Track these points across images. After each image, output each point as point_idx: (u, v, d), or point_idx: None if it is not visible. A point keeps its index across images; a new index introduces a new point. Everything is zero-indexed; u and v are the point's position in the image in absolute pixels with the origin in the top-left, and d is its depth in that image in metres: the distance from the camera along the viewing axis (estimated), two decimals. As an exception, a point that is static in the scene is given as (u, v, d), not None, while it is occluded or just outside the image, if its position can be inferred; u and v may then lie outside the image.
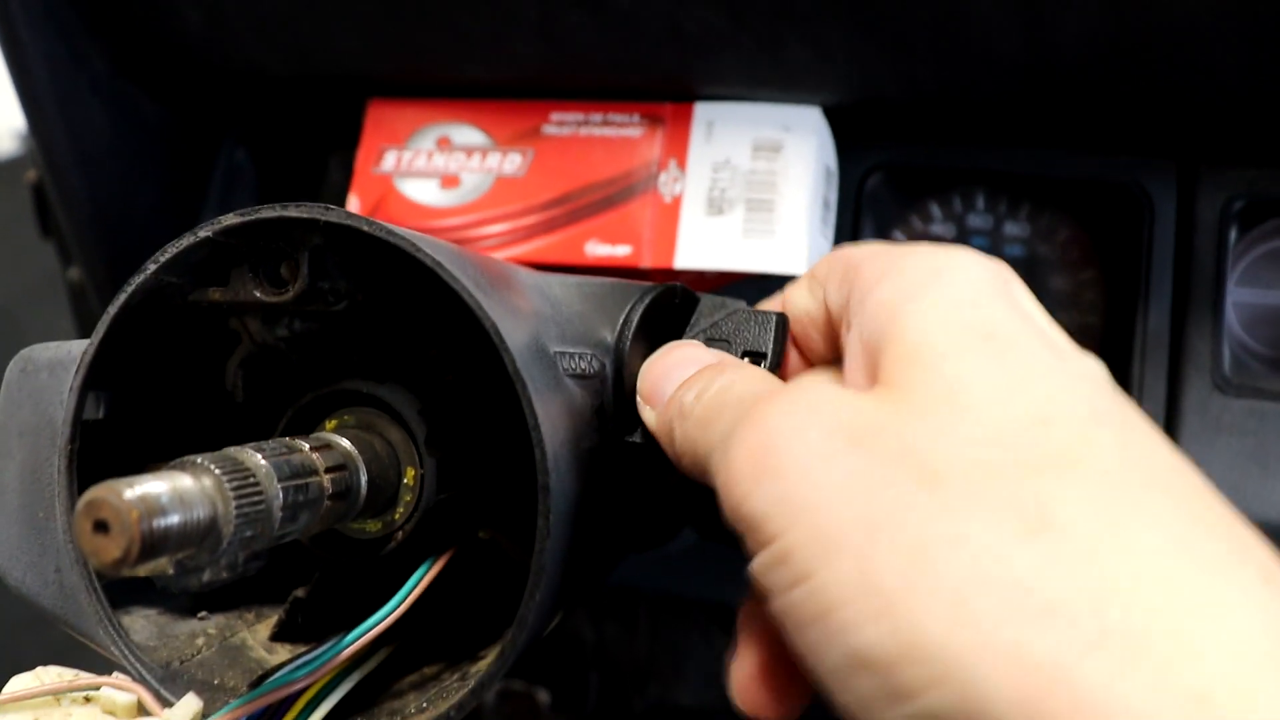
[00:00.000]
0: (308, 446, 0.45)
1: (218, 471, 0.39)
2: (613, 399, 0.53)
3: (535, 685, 1.22)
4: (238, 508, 0.39)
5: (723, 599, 0.49)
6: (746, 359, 0.53)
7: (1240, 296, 0.82)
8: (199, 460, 0.39)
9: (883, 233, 0.90)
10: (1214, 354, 0.80)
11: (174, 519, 0.36)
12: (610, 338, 0.55)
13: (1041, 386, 0.38)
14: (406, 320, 0.54)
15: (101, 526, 0.34)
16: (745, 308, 0.55)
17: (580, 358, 0.51)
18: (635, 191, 0.82)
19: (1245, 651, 0.31)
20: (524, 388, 0.44)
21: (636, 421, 0.53)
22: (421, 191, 0.86)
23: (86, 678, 0.47)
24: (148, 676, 0.48)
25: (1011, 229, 0.88)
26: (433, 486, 0.51)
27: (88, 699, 0.47)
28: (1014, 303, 0.42)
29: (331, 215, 0.46)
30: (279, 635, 0.54)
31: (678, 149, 0.82)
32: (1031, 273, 0.88)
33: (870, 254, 0.47)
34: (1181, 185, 0.82)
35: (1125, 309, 0.83)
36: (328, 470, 0.45)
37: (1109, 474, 0.35)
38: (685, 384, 0.48)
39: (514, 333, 0.45)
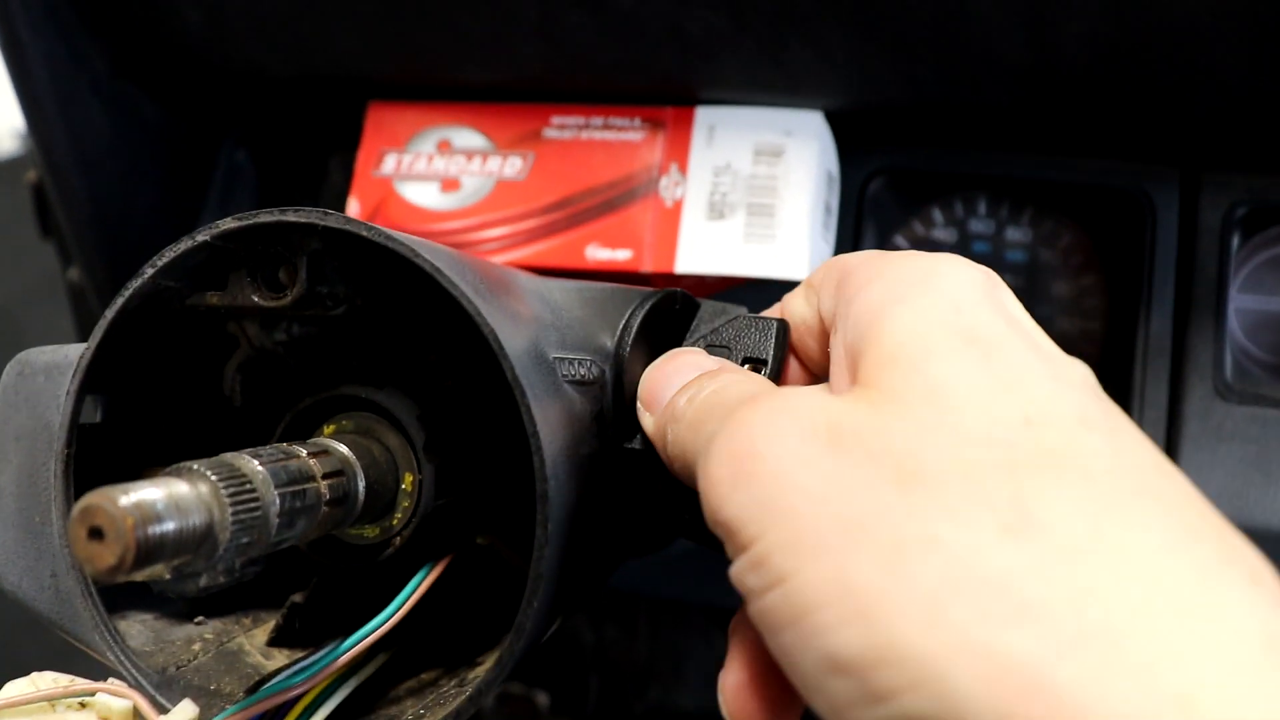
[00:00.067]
0: (305, 452, 0.45)
1: (214, 478, 0.39)
2: (612, 405, 0.53)
3: (535, 688, 1.22)
4: (234, 514, 0.39)
5: (722, 602, 0.49)
6: (747, 365, 0.52)
7: (1242, 303, 0.82)
8: (195, 466, 0.39)
9: (884, 238, 0.90)
10: (1216, 360, 0.80)
11: (169, 526, 0.36)
12: (610, 344, 0.55)
13: (1027, 389, 0.38)
14: (405, 325, 0.54)
15: (96, 533, 0.34)
16: (746, 314, 0.55)
17: (580, 364, 0.51)
18: (636, 196, 0.81)
19: (1230, 653, 0.31)
20: (523, 395, 0.43)
21: (636, 428, 0.52)
22: (421, 195, 0.86)
23: (82, 683, 0.47)
24: (144, 682, 0.48)
25: (1013, 234, 0.88)
26: (431, 492, 0.51)
27: (83, 705, 0.47)
28: (1001, 308, 0.42)
29: (330, 220, 0.45)
30: (276, 640, 0.54)
31: (679, 153, 0.81)
32: (1033, 278, 0.87)
33: (861, 260, 0.47)
34: (1184, 191, 0.82)
35: (1127, 315, 0.83)
36: (325, 476, 0.45)
37: (1095, 476, 0.35)
38: (682, 389, 0.48)
39: (513, 339, 0.45)
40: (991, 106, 0.79)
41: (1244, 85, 0.72)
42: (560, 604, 0.49)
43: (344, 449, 0.48)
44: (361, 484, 0.48)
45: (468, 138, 0.86)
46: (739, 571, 0.38)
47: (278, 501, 0.41)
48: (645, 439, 0.51)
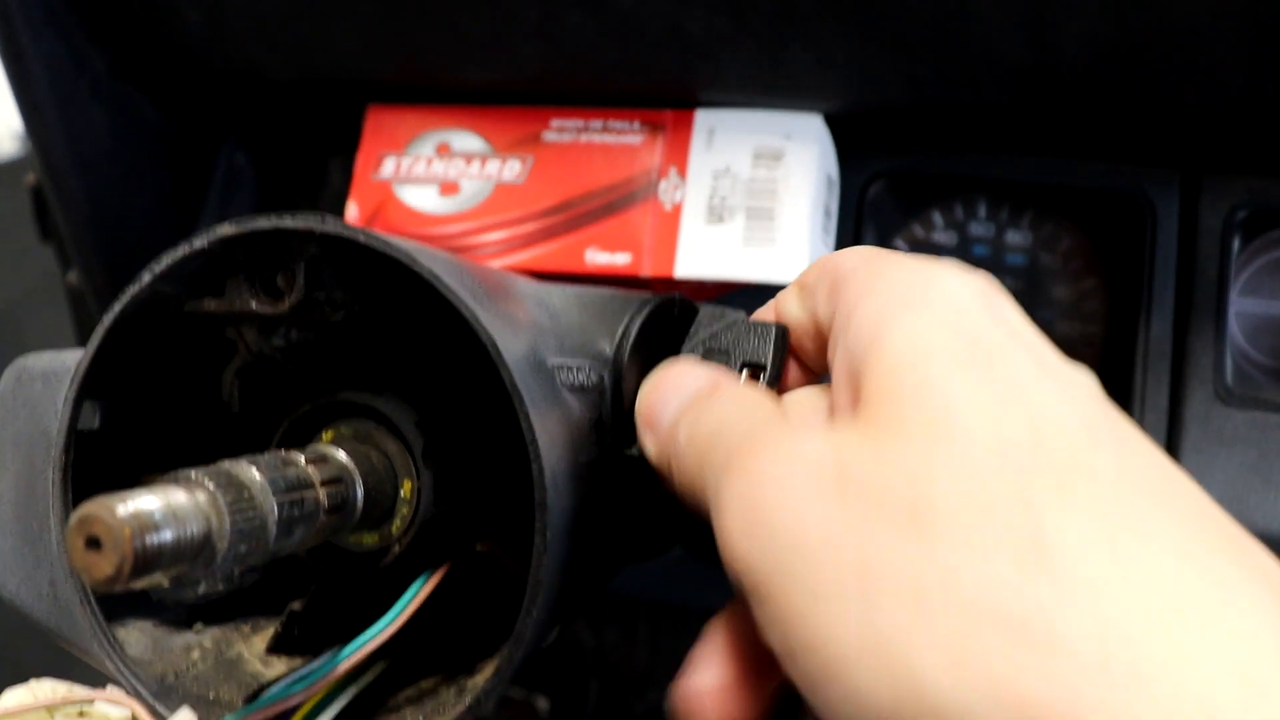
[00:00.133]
0: (303, 460, 0.45)
1: (212, 486, 0.39)
2: (611, 411, 0.53)
3: (534, 693, 1.21)
4: (232, 523, 0.38)
5: (722, 606, 0.49)
6: (745, 371, 0.52)
7: (1243, 306, 0.82)
8: (193, 475, 0.39)
9: (884, 241, 0.90)
10: (1216, 364, 0.80)
11: (167, 535, 0.36)
12: (609, 349, 0.55)
13: (1033, 404, 0.37)
14: (404, 331, 0.54)
15: (94, 543, 0.34)
16: (745, 319, 0.55)
17: (579, 370, 0.51)
18: (635, 199, 0.81)
19: (1256, 673, 0.31)
20: (521, 401, 0.43)
21: (635, 434, 0.52)
22: (420, 198, 0.85)
23: (80, 691, 0.47)
24: (142, 690, 0.48)
25: (1014, 237, 0.88)
26: (430, 499, 0.51)
27: (82, 713, 0.47)
28: (999, 318, 0.41)
29: (328, 226, 0.45)
30: (275, 648, 0.54)
31: (678, 156, 0.81)
32: (1033, 281, 0.87)
33: (854, 267, 0.46)
34: (1185, 194, 0.82)
35: (1127, 318, 0.83)
36: (324, 484, 0.45)
37: (1106, 493, 0.35)
38: (680, 414, 0.47)
39: (512, 345, 0.45)
40: (991, 108, 0.79)
41: (1245, 87, 0.72)
42: (560, 611, 0.49)
43: (342, 456, 0.48)
44: (360, 491, 0.48)
45: (467, 141, 0.86)
46: (764, 626, 0.38)
47: (276, 510, 0.41)
48: None
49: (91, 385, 0.49)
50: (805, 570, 0.36)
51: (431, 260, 0.45)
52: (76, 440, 0.49)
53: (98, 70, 0.90)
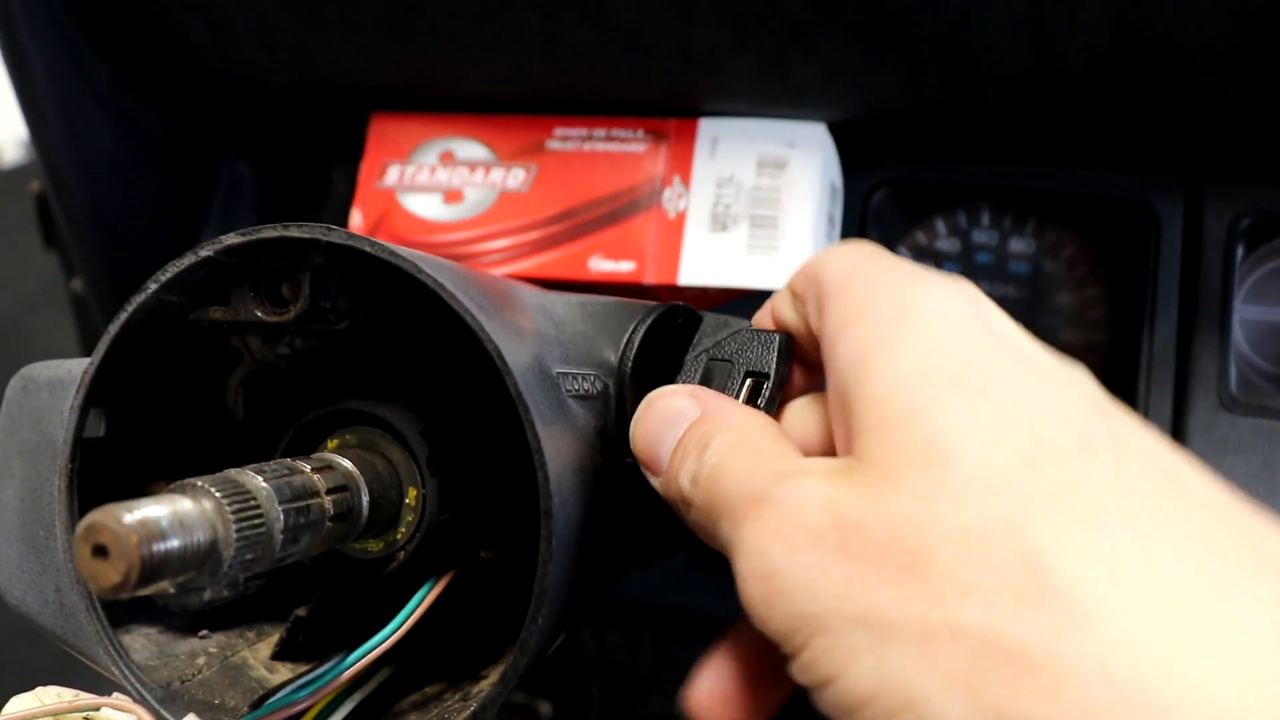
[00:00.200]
0: (309, 468, 0.45)
1: (218, 494, 0.39)
2: (615, 420, 0.53)
3: (537, 698, 1.21)
4: (238, 531, 0.39)
5: (725, 614, 0.49)
6: (750, 380, 0.52)
7: (1247, 314, 0.82)
8: (199, 483, 0.39)
9: (888, 249, 0.90)
10: (1220, 372, 0.79)
11: (174, 543, 0.36)
12: (613, 358, 0.55)
13: (1023, 424, 0.37)
14: (409, 340, 0.54)
15: (101, 551, 0.34)
16: (749, 327, 0.55)
17: (583, 379, 0.51)
18: (639, 207, 0.81)
19: (1264, 693, 0.31)
20: (526, 410, 0.43)
21: None
22: (425, 206, 0.86)
23: (86, 698, 0.47)
24: (148, 697, 0.48)
25: (1017, 245, 0.88)
26: (434, 507, 0.51)
27: (87, 719, 0.47)
28: (987, 332, 0.41)
29: (333, 236, 0.45)
30: (280, 654, 0.54)
31: (682, 165, 0.82)
32: (1037, 289, 0.87)
33: (837, 281, 0.46)
34: (1188, 202, 0.82)
35: (1131, 326, 0.83)
36: (329, 491, 0.45)
37: (1103, 507, 0.35)
38: (677, 456, 0.47)
39: (516, 354, 0.45)
40: (995, 118, 0.80)
41: (1248, 97, 0.72)
42: (564, 618, 0.49)
43: (348, 464, 0.48)
44: (365, 499, 0.48)
45: (470, 149, 0.86)
46: (794, 671, 0.39)
47: (282, 518, 0.41)
48: None
49: (97, 393, 0.49)
50: (820, 625, 0.37)
51: (437, 270, 0.45)
52: (82, 448, 0.49)
53: (102, 79, 0.90)
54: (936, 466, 0.36)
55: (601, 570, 0.53)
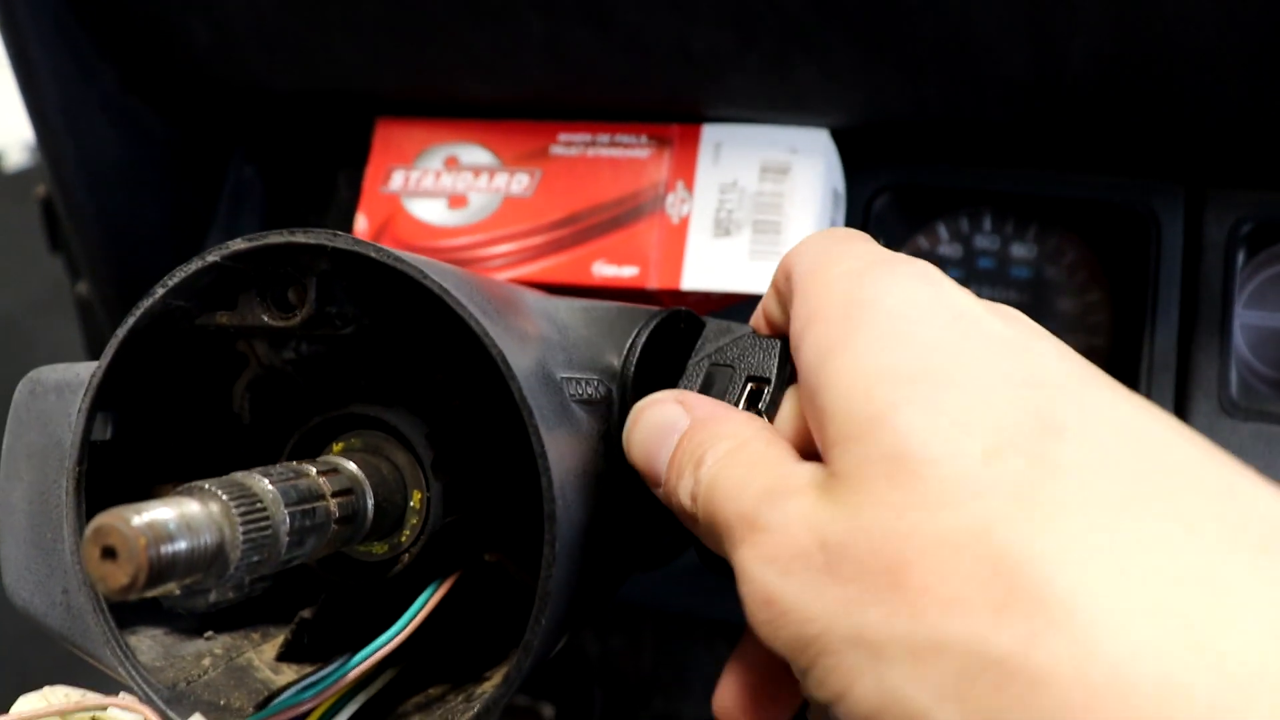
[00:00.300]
0: (314, 471, 0.46)
1: (225, 497, 0.39)
2: (618, 424, 0.53)
3: (540, 700, 1.22)
4: (245, 533, 0.39)
5: (726, 616, 0.50)
6: (750, 385, 0.53)
7: (1247, 319, 0.82)
8: (206, 486, 0.39)
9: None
10: (1221, 377, 0.80)
11: (181, 545, 0.36)
12: (616, 363, 0.55)
13: (983, 413, 0.36)
14: (414, 344, 0.54)
15: (109, 553, 0.35)
16: (751, 333, 0.55)
17: (587, 383, 0.52)
18: (642, 212, 0.82)
19: (1250, 683, 0.30)
20: (530, 415, 0.44)
21: None
22: (429, 211, 0.86)
23: (93, 698, 0.47)
24: (154, 697, 0.48)
25: (1019, 250, 0.88)
26: (439, 510, 0.51)
27: (95, 719, 0.47)
28: (947, 315, 0.40)
29: (339, 241, 0.46)
30: (285, 656, 0.54)
31: (685, 170, 0.82)
32: (1038, 294, 0.88)
33: (802, 273, 0.46)
34: (1189, 207, 0.82)
35: (1132, 331, 0.83)
36: (334, 494, 0.46)
37: (1071, 495, 0.34)
38: (673, 469, 0.47)
39: (520, 359, 0.45)
40: (996, 123, 0.80)
41: (1249, 102, 0.73)
42: (567, 621, 0.49)
43: (353, 467, 0.48)
44: (370, 502, 0.48)
45: (475, 154, 0.86)
46: (806, 687, 0.39)
47: (288, 520, 0.42)
48: None
49: (104, 397, 0.49)
50: (821, 647, 0.37)
51: (442, 275, 0.45)
52: (90, 451, 0.49)
53: (107, 84, 0.91)
54: (903, 476, 0.36)
55: (604, 572, 0.53)
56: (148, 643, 0.51)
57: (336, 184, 1.02)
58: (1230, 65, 0.70)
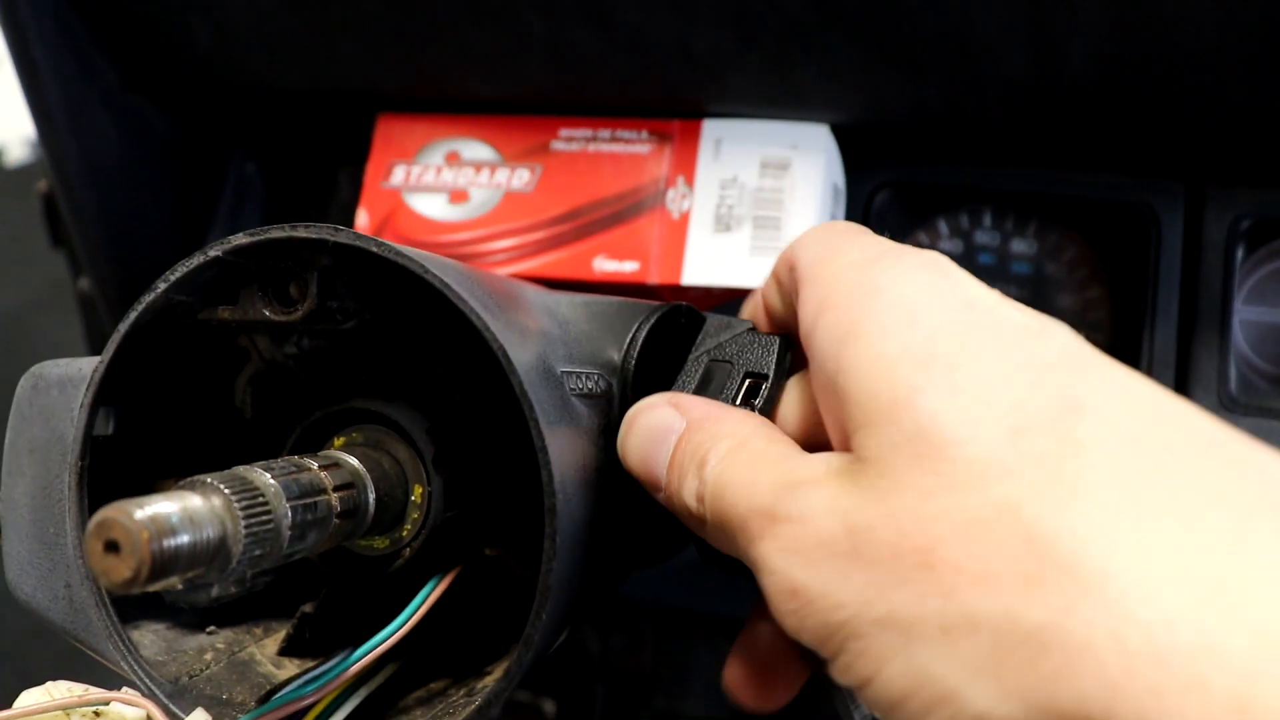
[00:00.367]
0: (316, 465, 0.46)
1: (227, 491, 0.39)
2: (619, 419, 0.53)
3: (541, 696, 1.22)
4: (247, 527, 0.39)
5: (728, 612, 0.50)
6: (748, 381, 0.53)
7: (1247, 315, 0.82)
8: (208, 480, 0.39)
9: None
10: (1220, 373, 0.80)
11: (184, 539, 0.36)
12: (617, 358, 0.55)
13: (1004, 392, 0.37)
14: (415, 339, 0.55)
15: (112, 547, 0.35)
16: (751, 328, 0.55)
17: (587, 378, 0.52)
18: (643, 208, 0.82)
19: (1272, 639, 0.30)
20: (531, 409, 0.44)
21: None
22: (430, 206, 0.86)
23: (96, 693, 0.48)
24: (157, 692, 0.49)
25: (1019, 247, 0.88)
26: (440, 504, 0.52)
27: (97, 714, 0.47)
28: (959, 302, 0.41)
29: (341, 236, 0.46)
30: (287, 650, 0.55)
31: (686, 166, 0.82)
32: (1038, 291, 0.88)
33: (808, 263, 0.46)
34: (1189, 205, 0.82)
35: (1132, 328, 0.83)
36: (336, 489, 0.46)
37: (1096, 470, 0.35)
38: (674, 473, 0.48)
39: (521, 353, 0.45)
40: (996, 120, 0.80)
41: (1248, 100, 0.73)
42: (568, 615, 0.49)
43: (354, 461, 0.48)
44: (372, 496, 0.48)
45: (476, 150, 0.87)
46: (834, 673, 0.40)
47: (289, 514, 0.42)
48: None
49: (106, 392, 0.49)
50: (850, 632, 0.38)
51: (443, 269, 0.45)
52: (92, 446, 0.49)
53: (109, 81, 0.91)
54: (929, 459, 0.37)
55: (605, 567, 0.53)
56: (150, 637, 0.52)
57: (337, 182, 1.02)
58: (1230, 65, 0.70)
